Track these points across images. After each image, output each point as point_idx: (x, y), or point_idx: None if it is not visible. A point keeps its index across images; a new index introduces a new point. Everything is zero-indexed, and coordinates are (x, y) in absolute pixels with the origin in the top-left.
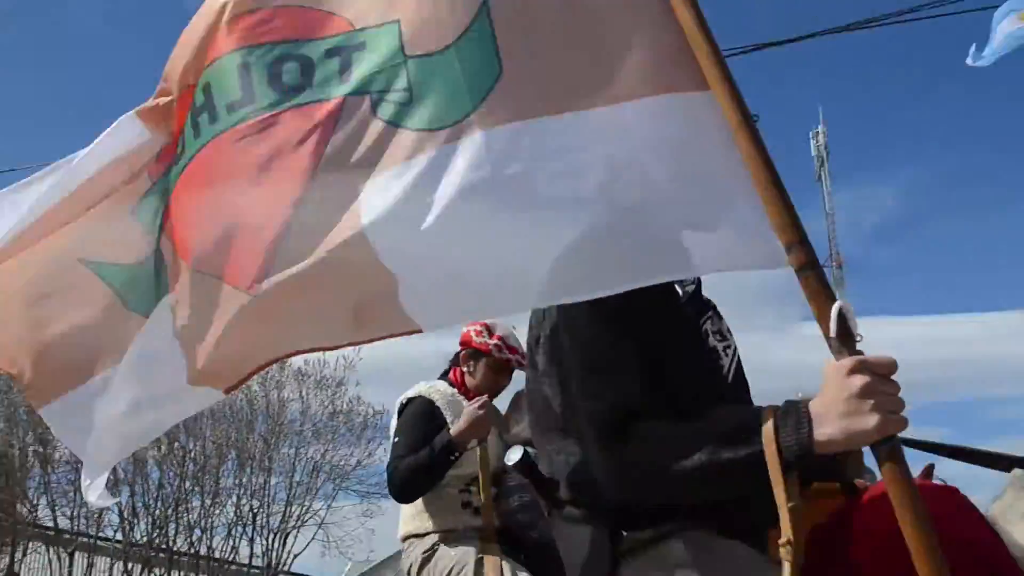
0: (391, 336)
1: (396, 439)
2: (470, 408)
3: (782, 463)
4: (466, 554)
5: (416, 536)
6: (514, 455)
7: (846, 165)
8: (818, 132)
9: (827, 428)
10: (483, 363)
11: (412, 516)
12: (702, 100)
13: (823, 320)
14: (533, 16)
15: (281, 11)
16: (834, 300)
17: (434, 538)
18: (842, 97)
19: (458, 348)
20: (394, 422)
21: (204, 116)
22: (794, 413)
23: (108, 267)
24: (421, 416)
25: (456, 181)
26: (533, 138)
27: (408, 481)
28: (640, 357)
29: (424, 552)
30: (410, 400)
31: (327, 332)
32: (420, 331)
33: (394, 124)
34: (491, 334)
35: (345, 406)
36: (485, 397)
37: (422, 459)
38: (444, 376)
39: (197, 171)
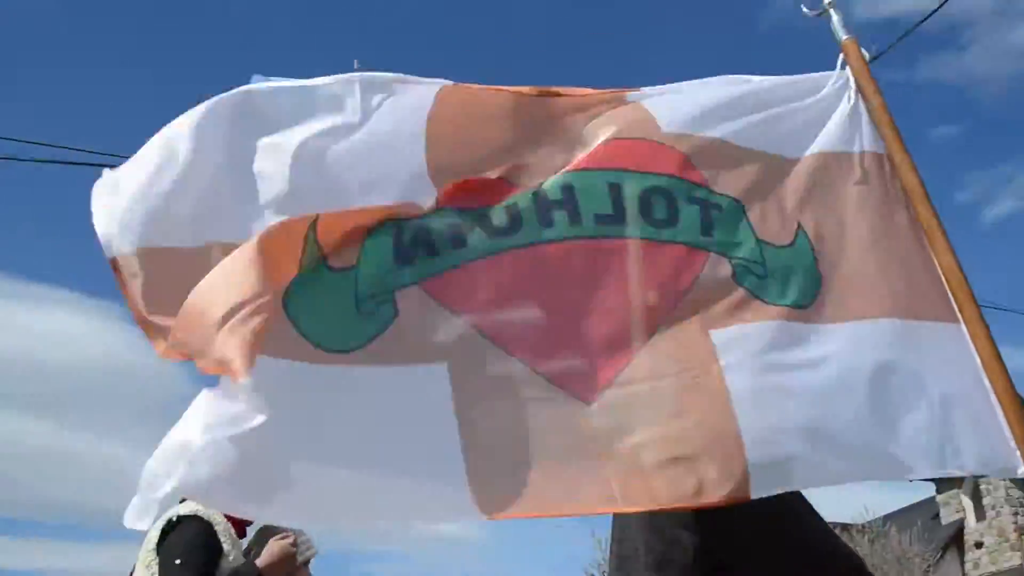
0: (715, 503)
1: (179, 562)
2: (282, 543)
3: None
4: None
5: None
6: None
7: None
8: None
9: None
10: None
11: None
12: (957, 330)
13: None
14: (831, 242)
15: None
16: None
17: None
18: None
19: None
20: (155, 536)
21: (561, 212)
22: None
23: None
24: (204, 541)
25: (803, 356)
26: (850, 334)
27: None
28: None
29: None
30: (182, 518)
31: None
32: (748, 499)
33: (752, 295)
34: None
35: None
36: (292, 535)
37: None
38: None
39: (546, 258)
